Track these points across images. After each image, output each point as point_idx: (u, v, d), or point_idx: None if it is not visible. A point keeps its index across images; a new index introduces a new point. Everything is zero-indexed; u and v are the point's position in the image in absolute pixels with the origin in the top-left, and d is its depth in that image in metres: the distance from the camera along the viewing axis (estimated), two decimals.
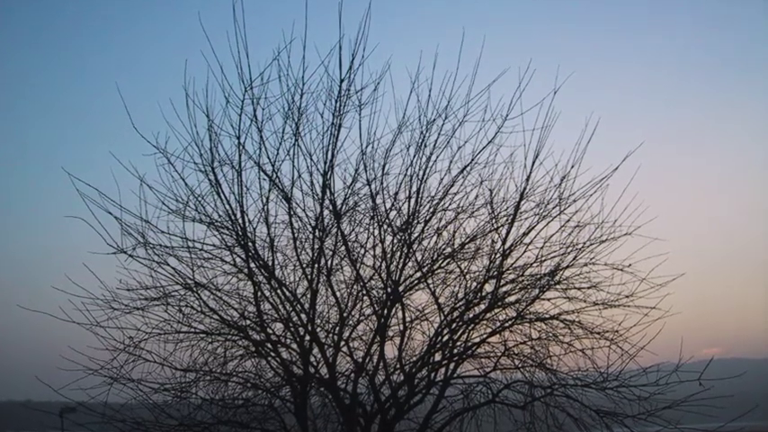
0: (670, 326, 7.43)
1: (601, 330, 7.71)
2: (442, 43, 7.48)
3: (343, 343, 7.74)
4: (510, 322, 7.75)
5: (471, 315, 7.71)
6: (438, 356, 7.82)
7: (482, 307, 7.69)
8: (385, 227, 7.57)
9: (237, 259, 7.68)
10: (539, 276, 7.68)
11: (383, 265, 7.57)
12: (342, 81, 7.35)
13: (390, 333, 7.92)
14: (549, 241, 7.66)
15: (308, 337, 7.65)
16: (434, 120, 7.55)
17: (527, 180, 7.54)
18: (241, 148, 7.44)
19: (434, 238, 7.74)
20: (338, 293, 7.78)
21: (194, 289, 7.60)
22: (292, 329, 7.71)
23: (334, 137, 7.41)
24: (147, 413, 7.58)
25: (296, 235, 7.60)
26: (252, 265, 7.54)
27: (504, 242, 7.57)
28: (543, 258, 7.66)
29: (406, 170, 7.55)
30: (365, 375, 7.72)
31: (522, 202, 7.58)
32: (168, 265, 7.60)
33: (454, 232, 7.71)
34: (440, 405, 7.81)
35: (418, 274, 7.71)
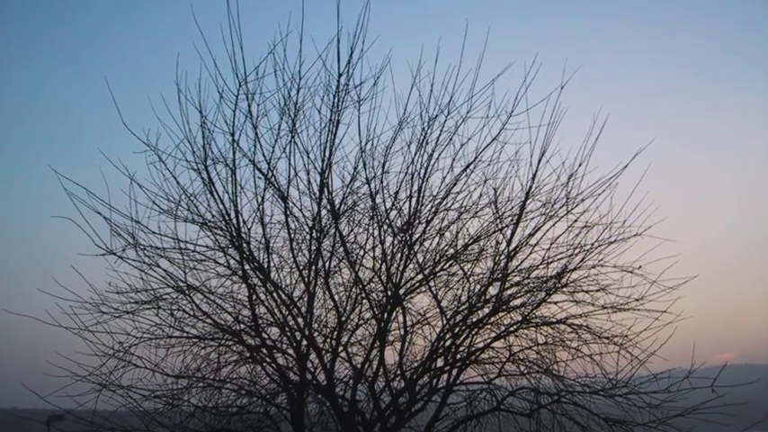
0: (681, 330, 7.31)
1: (609, 335, 7.55)
2: (444, 36, 7.39)
3: (341, 348, 7.59)
4: (515, 327, 7.59)
5: (475, 319, 7.56)
6: (440, 362, 7.68)
7: (486, 311, 7.55)
8: (385, 227, 7.42)
9: (231, 261, 7.54)
10: (545, 279, 7.52)
11: (383, 267, 7.42)
12: (340, 75, 7.25)
13: (390, 338, 7.79)
14: (556, 242, 7.50)
15: (304, 342, 7.50)
16: (436, 116, 7.45)
17: (533, 179, 7.39)
18: (235, 145, 7.34)
19: (436, 238, 7.61)
20: (336, 297, 7.65)
21: (187, 292, 7.45)
22: (289, 334, 7.56)
23: (332, 134, 7.30)
24: (138, 421, 7.42)
25: (292, 236, 7.47)
26: (246, 267, 7.41)
27: (508, 243, 7.41)
28: (550, 260, 7.50)
29: (407, 168, 7.44)
30: (364, 382, 7.58)
31: (528, 202, 7.43)
32: (159, 267, 7.47)
33: (457, 233, 7.57)
34: (442, 413, 7.65)
35: (419, 277, 7.56)
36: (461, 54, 7.17)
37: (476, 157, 7.45)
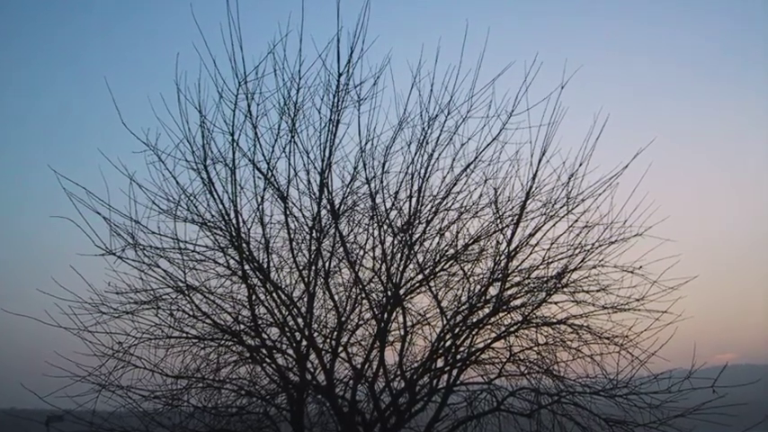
0: (682, 330, 7.26)
1: (610, 335, 7.50)
2: (444, 36, 7.35)
3: (341, 348, 7.55)
4: (515, 327, 7.55)
5: (475, 319, 7.51)
6: (440, 362, 7.63)
7: (486, 311, 7.50)
8: (385, 227, 7.38)
9: (231, 261, 7.50)
10: (545, 279, 7.47)
11: (383, 267, 7.38)
12: (340, 75, 7.20)
13: (390, 338, 7.74)
14: (557, 242, 7.45)
15: (304, 343, 7.46)
16: (437, 116, 7.40)
17: (533, 178, 7.34)
18: (235, 145, 7.28)
19: (436, 239, 7.55)
20: (336, 297, 7.59)
21: (186, 292, 7.40)
22: (288, 334, 7.52)
23: (332, 133, 7.26)
24: (137, 422, 7.38)
25: (292, 236, 7.42)
26: (246, 267, 7.36)
27: (509, 243, 7.36)
28: (550, 260, 7.45)
29: (407, 168, 7.39)
30: (364, 382, 7.53)
31: (528, 202, 7.38)
32: (159, 267, 7.42)
33: (457, 233, 7.52)
34: (442, 413, 7.60)
35: (420, 277, 7.51)
36: (461, 54, 7.14)
37: (476, 157, 7.41)
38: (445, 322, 7.50)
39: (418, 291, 7.64)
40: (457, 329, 7.48)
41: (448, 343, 7.52)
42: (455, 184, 7.44)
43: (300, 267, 7.46)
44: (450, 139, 7.39)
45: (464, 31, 7.21)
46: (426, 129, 7.36)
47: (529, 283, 7.51)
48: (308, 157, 7.27)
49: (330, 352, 7.52)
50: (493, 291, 7.43)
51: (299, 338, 7.47)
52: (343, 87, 7.18)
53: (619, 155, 7.50)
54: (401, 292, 7.40)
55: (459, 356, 7.59)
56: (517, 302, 7.52)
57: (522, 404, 7.64)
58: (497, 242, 7.50)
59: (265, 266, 7.36)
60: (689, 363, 7.02)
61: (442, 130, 7.36)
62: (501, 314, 7.52)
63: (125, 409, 7.38)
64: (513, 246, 7.34)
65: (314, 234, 7.33)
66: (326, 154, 7.20)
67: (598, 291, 7.50)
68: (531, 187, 7.32)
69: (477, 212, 7.56)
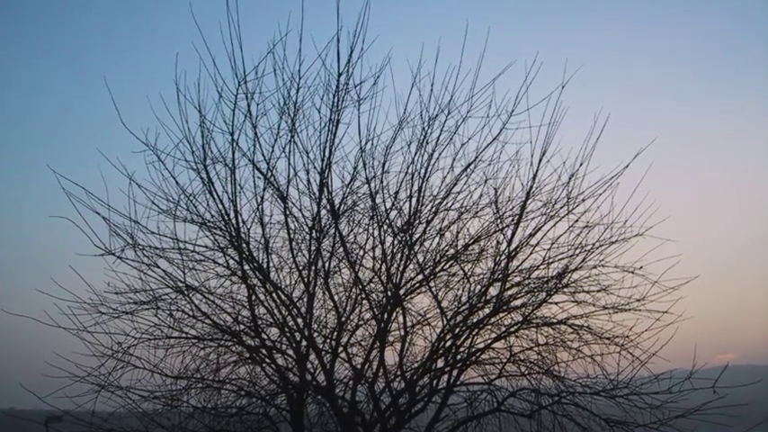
0: (683, 331, 7.25)
1: (611, 335, 7.50)
2: (444, 36, 7.33)
3: (341, 349, 7.54)
4: (516, 327, 7.53)
5: (475, 320, 7.50)
6: (440, 363, 7.62)
7: (486, 311, 7.49)
8: (385, 227, 7.37)
9: (231, 261, 7.49)
10: (546, 279, 7.46)
11: (383, 267, 7.37)
12: (340, 75, 7.19)
13: (390, 338, 7.74)
14: (557, 242, 7.44)
15: (304, 343, 7.45)
16: (437, 115, 7.39)
17: (533, 178, 7.32)
18: (234, 144, 7.27)
19: (437, 239, 7.55)
20: (336, 297, 7.59)
21: (186, 292, 7.39)
22: (288, 335, 7.51)
23: (331, 133, 7.24)
24: (137, 422, 7.37)
25: (292, 236, 7.41)
26: (246, 267, 7.35)
27: (509, 243, 7.34)
28: (550, 260, 7.44)
29: (407, 168, 7.38)
30: (364, 382, 7.52)
31: (529, 202, 7.36)
32: (158, 267, 7.41)
33: (457, 233, 7.51)
34: (442, 414, 7.59)
35: (420, 277, 7.50)
36: (461, 54, 7.13)
37: (476, 157, 7.40)
38: (445, 322, 7.48)
39: (418, 291, 7.63)
40: (457, 330, 7.47)
41: (448, 343, 7.51)
42: (455, 184, 7.44)
43: (300, 267, 7.45)
44: (451, 139, 7.39)
45: (464, 31, 7.22)
46: (426, 129, 7.36)
47: (529, 284, 7.50)
48: (308, 156, 7.28)
49: (330, 352, 7.50)
50: (493, 291, 7.43)
51: (298, 339, 7.45)
52: (343, 87, 7.19)
53: (619, 155, 7.51)
54: (401, 292, 7.39)
55: (459, 357, 7.57)
56: (517, 303, 7.52)
57: (522, 405, 7.64)
58: (497, 242, 7.49)
59: (265, 266, 7.35)
60: (689, 363, 7.02)
61: (442, 130, 7.36)
62: (501, 314, 7.50)
63: (124, 410, 7.37)
64: (513, 246, 7.32)
65: (314, 234, 7.32)
66: (326, 154, 7.20)
67: (598, 291, 7.50)
68: (531, 187, 7.32)
69: (477, 212, 7.56)
